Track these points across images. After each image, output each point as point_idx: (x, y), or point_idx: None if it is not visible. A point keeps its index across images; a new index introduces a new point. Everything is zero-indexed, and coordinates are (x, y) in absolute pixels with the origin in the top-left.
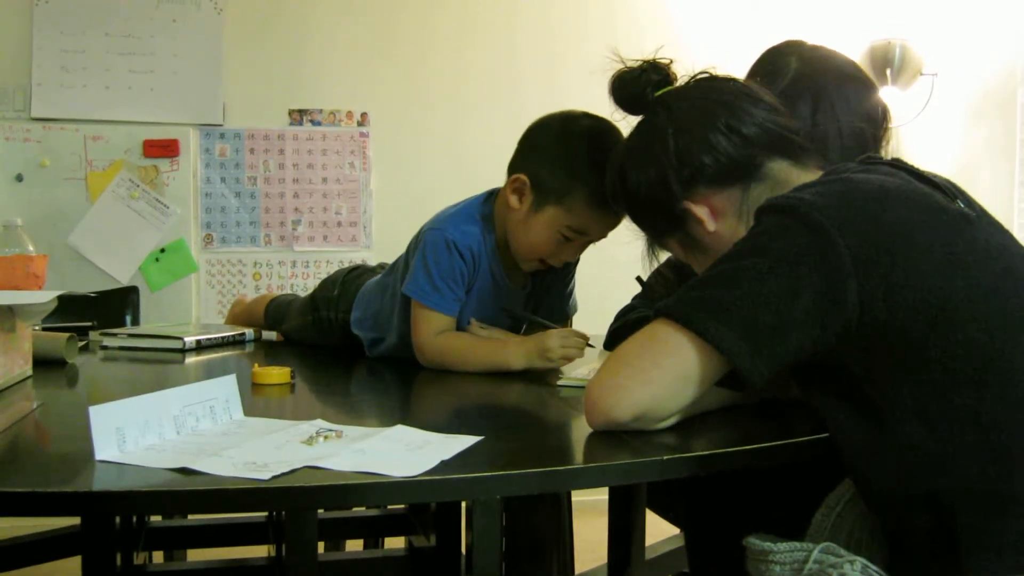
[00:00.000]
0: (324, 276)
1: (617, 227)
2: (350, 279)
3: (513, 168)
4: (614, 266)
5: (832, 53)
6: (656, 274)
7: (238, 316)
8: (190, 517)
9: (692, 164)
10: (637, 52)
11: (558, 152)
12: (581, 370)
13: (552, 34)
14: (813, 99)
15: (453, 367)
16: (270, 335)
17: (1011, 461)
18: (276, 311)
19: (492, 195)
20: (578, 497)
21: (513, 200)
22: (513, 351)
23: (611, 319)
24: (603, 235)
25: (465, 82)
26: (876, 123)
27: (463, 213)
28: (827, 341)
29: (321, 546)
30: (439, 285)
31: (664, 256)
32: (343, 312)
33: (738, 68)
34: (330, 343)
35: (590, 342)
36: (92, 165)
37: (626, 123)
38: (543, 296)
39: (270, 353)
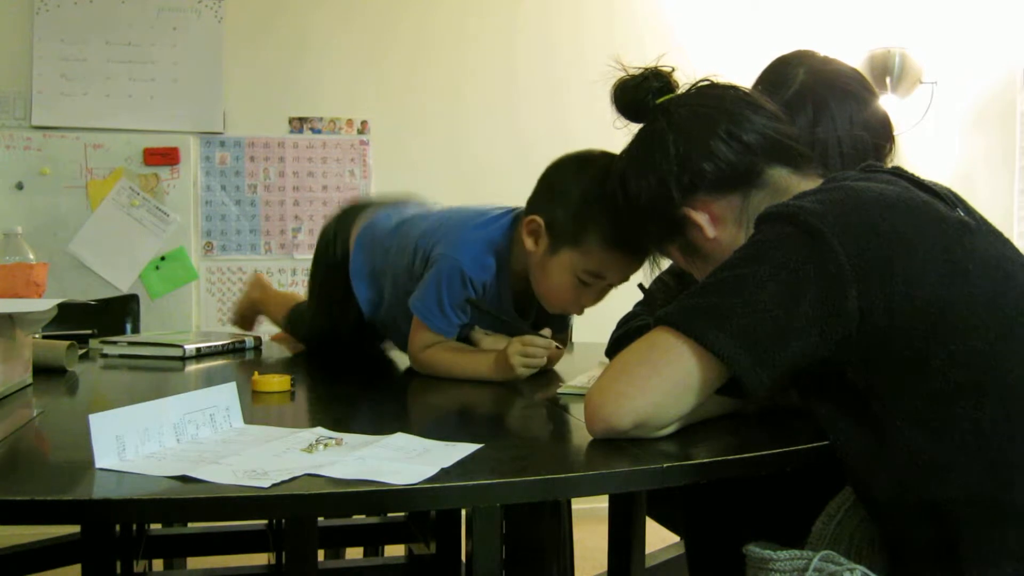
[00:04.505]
0: None
1: (637, 271)
2: (347, 211)
3: (530, 208)
4: None
5: (841, 67)
6: (657, 281)
7: (252, 300)
8: (190, 525)
9: (692, 170)
10: (637, 61)
11: (572, 193)
12: (581, 378)
13: (551, 42)
14: (814, 111)
15: (440, 375)
16: (263, 340)
17: (1011, 470)
18: (296, 317)
19: (516, 220)
20: (578, 505)
21: (529, 243)
22: (487, 365)
23: (612, 326)
24: (623, 278)
25: (465, 90)
26: (878, 138)
27: (483, 242)
28: (827, 349)
29: (321, 554)
30: (447, 312)
31: (666, 263)
32: (342, 248)
33: (739, 76)
34: (342, 325)
35: (556, 345)
36: (92, 173)
37: (627, 131)
38: (545, 318)
39: (270, 361)
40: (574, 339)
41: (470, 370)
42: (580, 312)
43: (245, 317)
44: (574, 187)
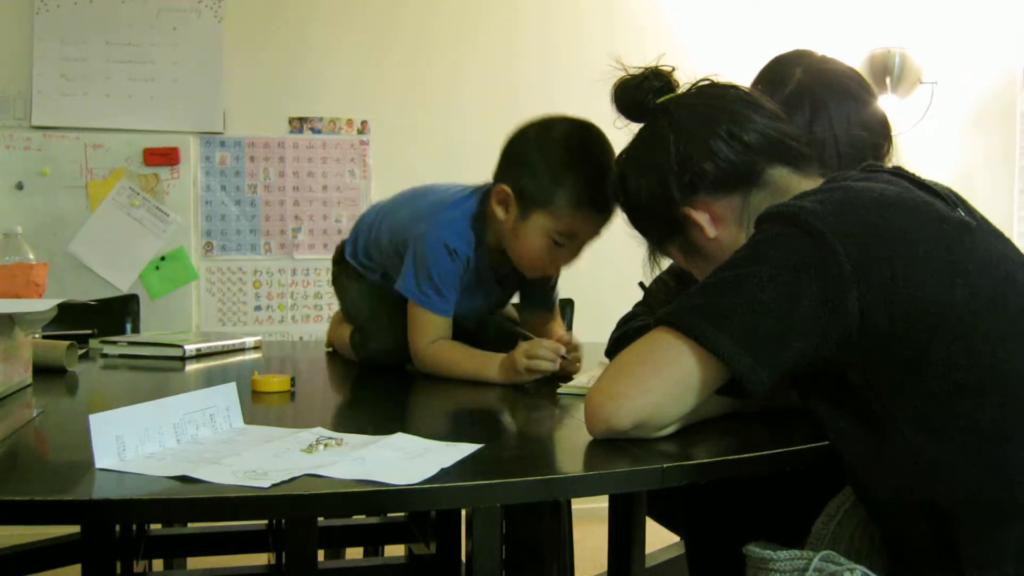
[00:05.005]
0: (324, 284)
1: (609, 226)
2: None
3: (497, 179)
4: (614, 273)
5: (839, 67)
6: (657, 281)
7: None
8: (190, 525)
9: (693, 170)
10: (637, 61)
11: (537, 158)
12: (581, 378)
13: (551, 42)
14: (811, 110)
15: (443, 374)
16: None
17: (1011, 470)
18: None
19: (486, 195)
20: (578, 505)
21: (500, 212)
22: (493, 367)
23: (612, 326)
24: (594, 235)
25: (465, 90)
26: (876, 137)
27: (460, 217)
28: (827, 349)
29: (321, 554)
30: (440, 288)
31: (666, 263)
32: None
33: (739, 76)
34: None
35: (571, 350)
36: (92, 173)
37: (628, 130)
38: (528, 290)
39: (270, 361)
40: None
41: (476, 370)
42: (557, 272)
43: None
44: (537, 152)
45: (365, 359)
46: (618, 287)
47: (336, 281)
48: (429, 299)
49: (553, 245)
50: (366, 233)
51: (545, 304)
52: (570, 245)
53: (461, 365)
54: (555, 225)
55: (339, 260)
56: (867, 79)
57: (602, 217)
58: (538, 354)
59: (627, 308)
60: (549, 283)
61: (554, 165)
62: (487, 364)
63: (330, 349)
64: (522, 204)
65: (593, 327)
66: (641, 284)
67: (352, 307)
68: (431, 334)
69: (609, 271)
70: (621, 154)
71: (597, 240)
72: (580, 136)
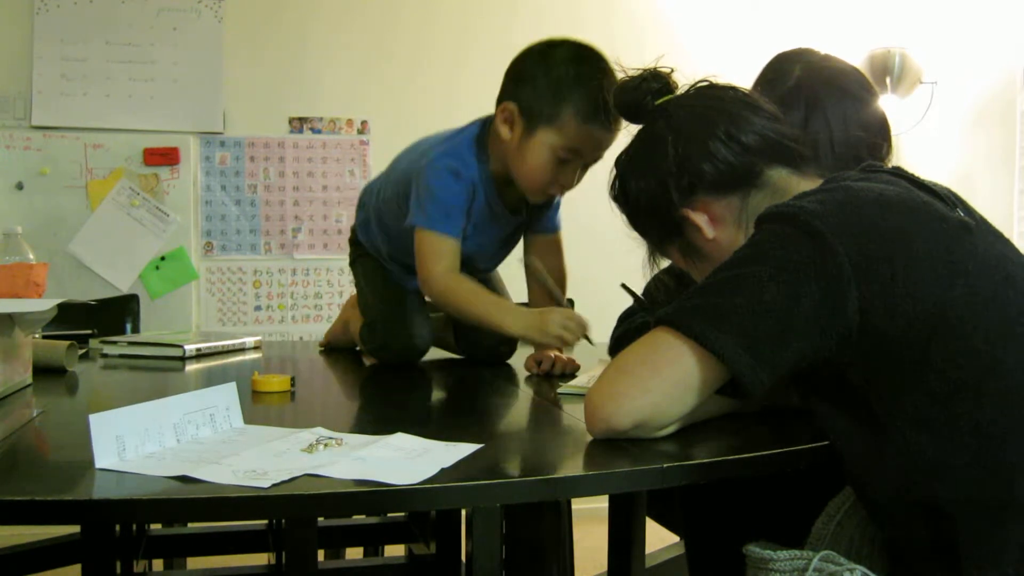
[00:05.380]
0: (324, 284)
1: (610, 145)
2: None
3: (501, 98)
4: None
5: (840, 64)
6: (657, 281)
7: (346, 320)
8: (190, 525)
9: (691, 172)
10: (637, 61)
11: (543, 75)
12: (581, 377)
13: None
14: (807, 108)
15: (452, 311)
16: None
17: (1011, 470)
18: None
19: (485, 125)
20: (578, 505)
21: (504, 131)
22: (513, 317)
23: (611, 326)
24: (597, 152)
25: (464, 90)
26: (874, 137)
27: (460, 145)
28: (827, 349)
29: (321, 554)
30: (449, 211)
31: (665, 264)
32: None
33: (739, 76)
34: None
35: (589, 337)
36: (92, 173)
37: (627, 132)
38: (534, 219)
39: (270, 360)
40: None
41: (490, 314)
42: (561, 193)
43: (339, 339)
44: (542, 69)
45: (372, 353)
46: (618, 288)
47: (353, 265)
48: (436, 221)
49: (558, 162)
50: (374, 199)
51: (550, 227)
52: (574, 163)
53: (476, 304)
54: (561, 141)
55: (355, 240)
56: (868, 78)
57: (607, 133)
58: (569, 326)
59: (625, 306)
60: (552, 205)
61: (560, 81)
62: (507, 311)
63: (321, 348)
64: (527, 121)
65: (593, 327)
66: (623, 286)
67: (365, 298)
68: (442, 259)
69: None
70: (620, 156)
71: (597, 241)
72: (584, 54)
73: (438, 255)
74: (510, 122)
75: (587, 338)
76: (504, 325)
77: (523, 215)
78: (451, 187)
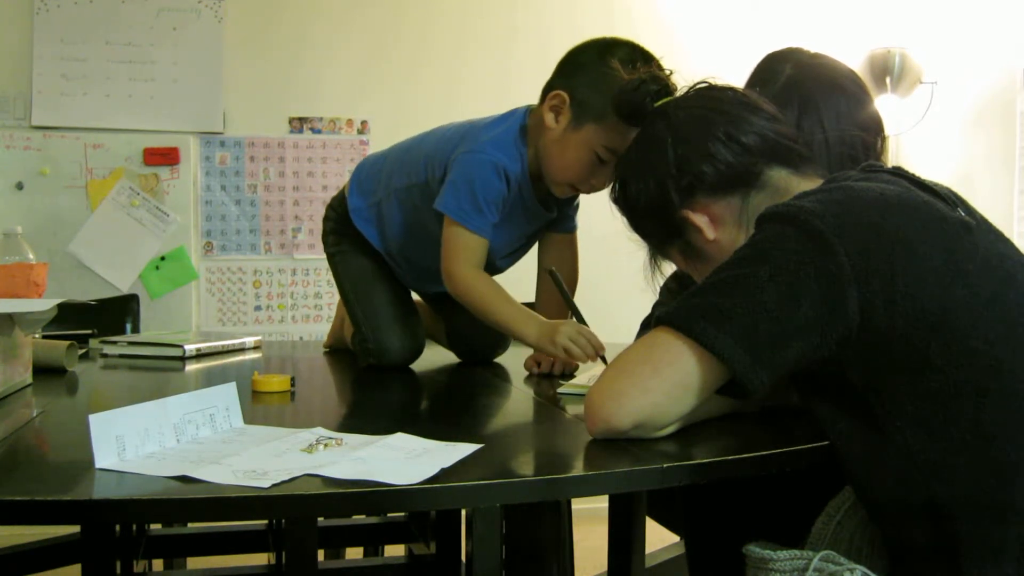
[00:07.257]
0: (324, 284)
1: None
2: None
3: (551, 86)
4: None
5: (830, 62)
6: (664, 288)
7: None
8: (190, 525)
9: (691, 173)
10: None
11: (600, 71)
12: (581, 377)
13: (549, 43)
14: (800, 106)
15: (473, 310)
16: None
17: (1011, 470)
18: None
19: (527, 114)
20: (578, 505)
21: (549, 118)
22: (530, 326)
23: (614, 329)
24: None
25: (463, 90)
26: (868, 135)
27: (506, 136)
28: (828, 349)
29: (321, 554)
30: (482, 207)
31: (666, 266)
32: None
33: (738, 77)
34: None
35: (605, 358)
36: (92, 173)
37: None
38: (557, 218)
39: (270, 360)
40: None
41: (511, 320)
42: (589, 192)
43: (340, 339)
44: (600, 66)
45: (368, 359)
46: (620, 290)
47: (333, 260)
48: (469, 216)
49: (597, 161)
50: (383, 187)
51: (570, 226)
52: (610, 165)
53: (498, 307)
54: (606, 139)
55: (335, 230)
56: (861, 76)
57: None
58: (580, 343)
59: (629, 311)
60: (572, 205)
61: (617, 80)
62: (526, 320)
63: (326, 350)
64: (576, 113)
65: (595, 329)
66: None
67: (351, 307)
68: (468, 256)
69: (611, 275)
70: (620, 158)
71: (597, 242)
72: (643, 57)
73: (466, 251)
74: (557, 111)
75: (603, 359)
76: (524, 335)
77: (553, 212)
78: (493, 184)
